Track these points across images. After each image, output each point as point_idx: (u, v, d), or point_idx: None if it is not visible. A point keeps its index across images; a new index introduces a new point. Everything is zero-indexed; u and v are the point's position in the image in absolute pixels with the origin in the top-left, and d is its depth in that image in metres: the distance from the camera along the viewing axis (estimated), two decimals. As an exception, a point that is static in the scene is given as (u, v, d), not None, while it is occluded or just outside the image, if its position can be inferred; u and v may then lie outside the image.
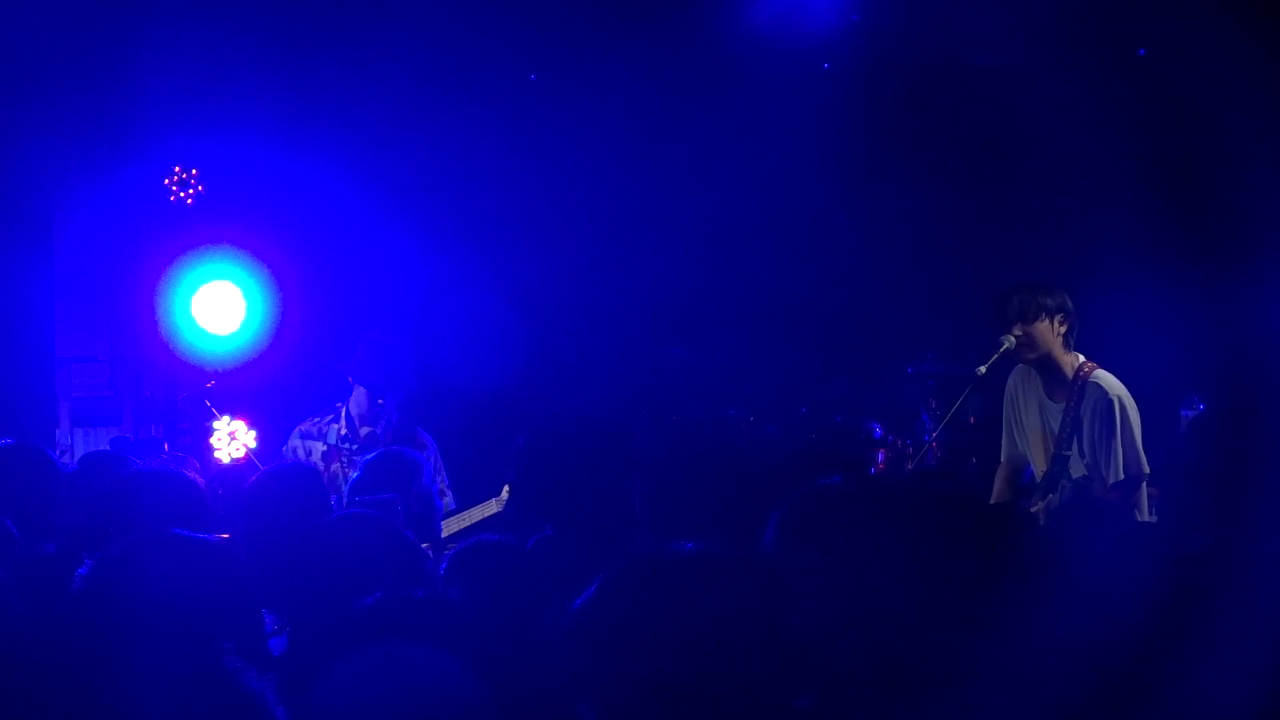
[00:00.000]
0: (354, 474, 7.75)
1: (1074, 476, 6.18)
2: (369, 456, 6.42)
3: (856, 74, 10.04)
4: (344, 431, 8.11)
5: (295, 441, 8.16)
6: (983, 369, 6.25)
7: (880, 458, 9.31)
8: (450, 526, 7.73)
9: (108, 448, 8.81)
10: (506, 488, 7.61)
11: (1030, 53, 9.11)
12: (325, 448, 8.09)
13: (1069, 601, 2.80)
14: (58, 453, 9.32)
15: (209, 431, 8.71)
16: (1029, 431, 6.39)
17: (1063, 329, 6.29)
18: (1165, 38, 9.12)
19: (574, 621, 2.40)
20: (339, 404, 8.18)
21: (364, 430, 8.07)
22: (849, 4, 9.95)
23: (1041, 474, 6.31)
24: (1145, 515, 6.18)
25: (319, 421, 8.19)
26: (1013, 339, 6.25)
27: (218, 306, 9.51)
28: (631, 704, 2.29)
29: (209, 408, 8.61)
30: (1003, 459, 6.56)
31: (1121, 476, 6.12)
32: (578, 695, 2.34)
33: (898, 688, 2.62)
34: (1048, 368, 6.31)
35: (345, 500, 6.33)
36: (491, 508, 7.75)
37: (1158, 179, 9.15)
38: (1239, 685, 2.69)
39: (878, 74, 10.05)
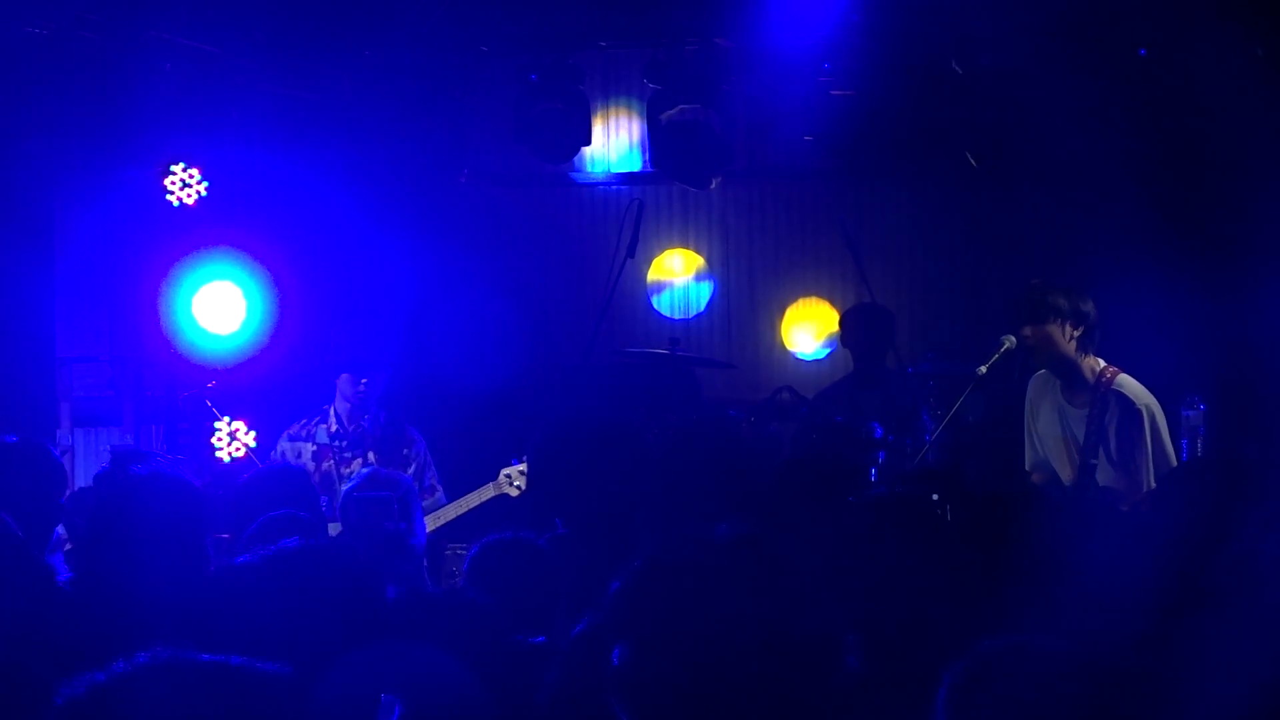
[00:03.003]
0: (350, 473, 7.82)
1: (1100, 484, 6.09)
2: (361, 472, 6.45)
3: (856, 74, 10.03)
4: (334, 429, 8.18)
5: (284, 445, 8.25)
6: (983, 369, 6.21)
7: (880, 458, 9.29)
8: (448, 514, 7.79)
9: (108, 452, 8.81)
10: (506, 470, 7.61)
11: (1031, 53, 9.10)
12: (315, 448, 8.16)
13: (1072, 603, 2.80)
14: (58, 453, 9.30)
15: (210, 433, 8.74)
16: (1048, 438, 6.27)
17: (1076, 333, 6.14)
18: (1165, 38, 9.11)
19: (602, 615, 2.40)
20: (325, 405, 8.26)
21: (351, 427, 8.16)
22: (849, 4, 9.95)
23: (1069, 481, 6.17)
24: None
25: (306, 424, 8.28)
26: (1013, 339, 6.20)
27: (218, 306, 9.51)
28: (658, 695, 2.30)
29: (209, 408, 8.63)
30: (1027, 467, 6.43)
31: (1154, 485, 6.00)
32: (605, 686, 2.34)
33: (899, 685, 2.63)
34: (1065, 372, 6.19)
35: (341, 499, 6.36)
36: (488, 492, 7.77)
37: (1158, 179, 9.14)
38: (1240, 686, 2.69)
39: (878, 74, 10.04)
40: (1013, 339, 6.19)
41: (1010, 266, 9.45)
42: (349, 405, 8.19)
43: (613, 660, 2.35)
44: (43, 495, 5.03)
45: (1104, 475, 6.09)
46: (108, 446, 9.47)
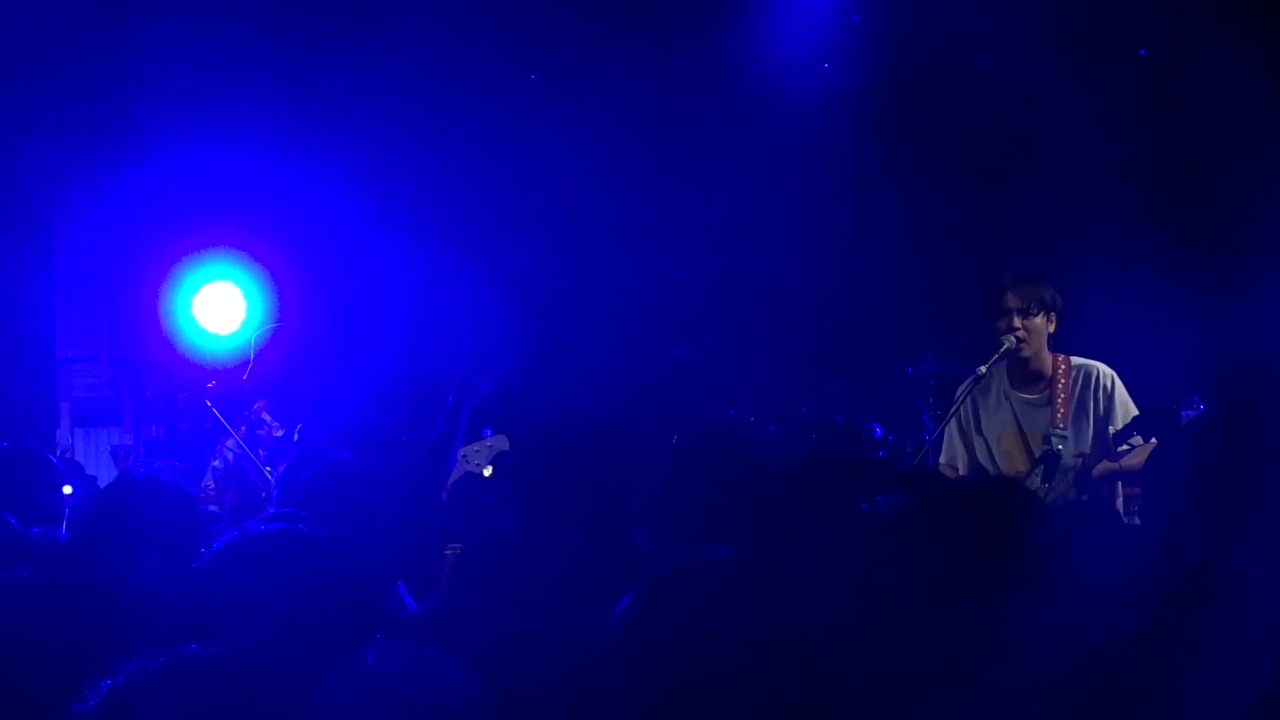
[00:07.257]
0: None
1: (1068, 460, 6.10)
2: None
3: (856, 74, 10.04)
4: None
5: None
6: (984, 369, 6.21)
7: (880, 457, 9.29)
8: None
9: (108, 452, 8.81)
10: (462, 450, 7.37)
11: (1031, 53, 9.11)
12: None
13: (1067, 604, 2.80)
14: (58, 453, 9.31)
15: (209, 432, 8.73)
16: (999, 436, 6.28)
17: (1052, 328, 6.25)
18: (1165, 38, 9.12)
19: (613, 630, 2.40)
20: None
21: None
22: (849, 4, 9.95)
23: (1017, 471, 6.19)
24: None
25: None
26: (1013, 339, 6.21)
27: (218, 306, 9.51)
28: (669, 710, 2.30)
29: (209, 408, 8.63)
30: (943, 461, 6.42)
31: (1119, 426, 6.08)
32: (616, 702, 2.34)
33: (897, 689, 2.63)
34: (1027, 364, 6.25)
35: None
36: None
37: (1158, 179, 9.15)
38: (1238, 689, 2.69)
39: (878, 74, 10.05)
40: (1013, 339, 6.19)
41: (1009, 266, 9.45)
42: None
43: (621, 679, 2.35)
44: (38, 500, 5.02)
45: (1071, 449, 6.11)
46: (108, 446, 9.49)
